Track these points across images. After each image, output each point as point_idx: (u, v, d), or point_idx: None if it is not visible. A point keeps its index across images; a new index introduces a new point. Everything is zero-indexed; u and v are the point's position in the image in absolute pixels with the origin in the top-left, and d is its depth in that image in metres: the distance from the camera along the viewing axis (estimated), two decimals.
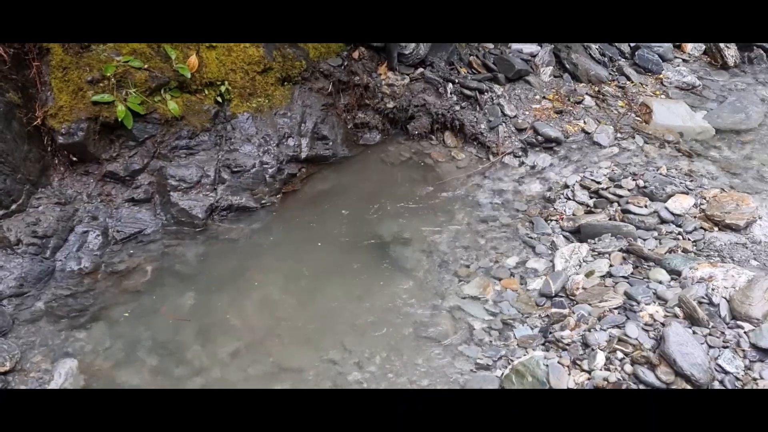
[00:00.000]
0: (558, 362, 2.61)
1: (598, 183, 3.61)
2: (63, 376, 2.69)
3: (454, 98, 4.28)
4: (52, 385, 2.65)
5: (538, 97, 4.33)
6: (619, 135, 4.09)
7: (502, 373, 2.72)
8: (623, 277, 2.97)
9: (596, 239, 3.25)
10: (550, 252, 3.33)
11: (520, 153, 4.06)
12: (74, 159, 3.44)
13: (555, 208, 3.59)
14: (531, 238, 3.46)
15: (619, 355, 2.53)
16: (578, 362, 2.58)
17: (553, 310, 2.94)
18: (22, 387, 2.62)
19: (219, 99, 3.75)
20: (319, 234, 3.60)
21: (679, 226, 3.23)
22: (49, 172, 3.41)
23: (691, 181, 3.58)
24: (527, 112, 4.22)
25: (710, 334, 2.51)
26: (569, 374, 2.56)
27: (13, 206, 3.17)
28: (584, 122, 4.16)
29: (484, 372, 2.77)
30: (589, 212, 3.48)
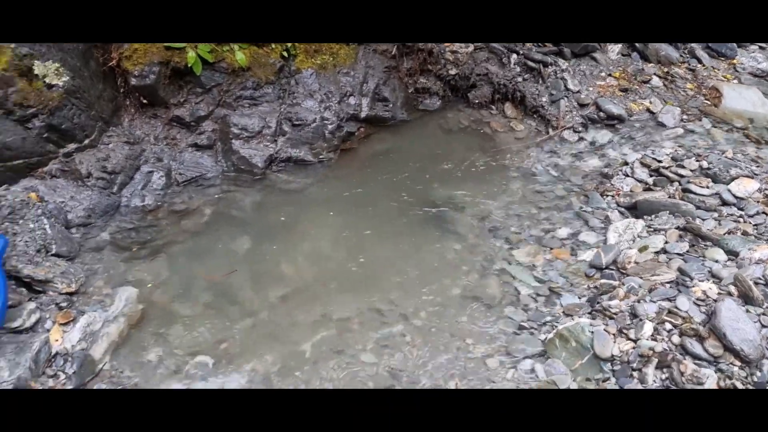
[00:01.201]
0: (604, 329, 2.60)
1: (660, 162, 3.55)
2: (123, 301, 2.82)
3: (517, 69, 4.25)
4: (111, 310, 2.77)
5: (603, 74, 4.27)
6: (685, 117, 4.00)
7: (546, 337, 2.73)
8: (678, 254, 2.92)
9: (653, 216, 3.20)
10: (603, 226, 3.30)
11: (580, 128, 4.02)
12: (144, 101, 3.57)
13: (612, 184, 3.55)
14: (585, 211, 3.43)
15: (668, 326, 2.51)
16: (624, 331, 2.57)
17: (603, 281, 2.92)
18: (85, 308, 2.75)
19: (285, 54, 3.82)
20: (372, 192, 3.64)
21: (741, 209, 3.16)
22: (120, 113, 3.55)
23: (758, 166, 3.48)
24: (591, 88, 4.16)
25: (764, 314, 2.46)
26: (614, 342, 2.55)
27: (86, 141, 3.31)
28: (650, 102, 4.08)
29: (528, 335, 2.78)
30: (647, 189, 3.42)
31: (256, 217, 3.48)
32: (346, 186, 3.70)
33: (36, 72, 3.03)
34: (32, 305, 2.62)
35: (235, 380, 2.63)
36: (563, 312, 2.85)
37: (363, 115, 3.96)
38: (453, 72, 4.27)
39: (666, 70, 4.32)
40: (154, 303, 2.94)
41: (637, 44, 4.41)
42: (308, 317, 2.97)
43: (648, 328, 2.52)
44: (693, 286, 2.66)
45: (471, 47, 4.28)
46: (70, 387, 2.43)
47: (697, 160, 3.47)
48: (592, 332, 2.62)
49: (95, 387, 2.48)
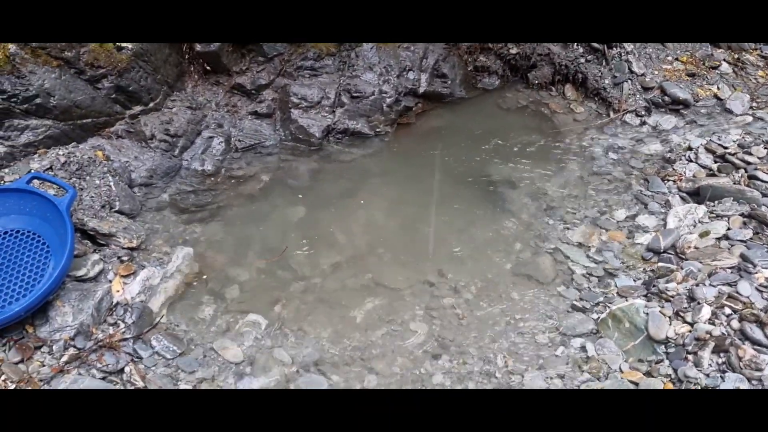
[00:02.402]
0: (659, 311, 2.55)
1: (725, 148, 3.44)
2: (180, 259, 2.89)
3: (580, 50, 4.17)
4: (169, 267, 2.85)
5: (670, 57, 4.14)
6: (754, 104, 3.85)
7: (599, 317, 2.69)
8: (741, 240, 2.83)
9: (716, 202, 3.11)
10: (663, 210, 3.22)
11: (642, 112, 3.92)
12: (208, 68, 3.64)
13: (674, 169, 3.46)
14: (644, 195, 3.35)
15: (727, 311, 2.44)
16: (681, 314, 2.51)
17: (660, 264, 2.85)
18: (145, 263, 2.84)
19: None
20: (427, 167, 3.64)
21: None
22: (184, 78, 3.63)
23: None
24: (656, 72, 4.05)
25: None
26: (670, 324, 2.50)
27: (151, 104, 3.40)
28: (717, 88, 3.95)
29: (580, 314, 2.75)
30: (711, 175, 3.32)
31: (312, 186, 3.52)
32: (401, 159, 3.71)
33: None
34: (96, 256, 2.72)
35: (285, 343, 2.67)
36: (617, 293, 2.80)
37: (421, 90, 3.94)
38: (514, 51, 4.21)
39: (737, 56, 4.17)
40: (210, 263, 3.01)
41: None
42: (360, 285, 3.00)
43: (706, 311, 2.45)
44: (756, 273, 2.58)
45: None
46: (129, 336, 2.51)
47: (766, 148, 3.35)
48: (647, 313, 2.57)
49: (152, 338, 2.55)
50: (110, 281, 2.66)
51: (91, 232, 2.83)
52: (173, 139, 3.40)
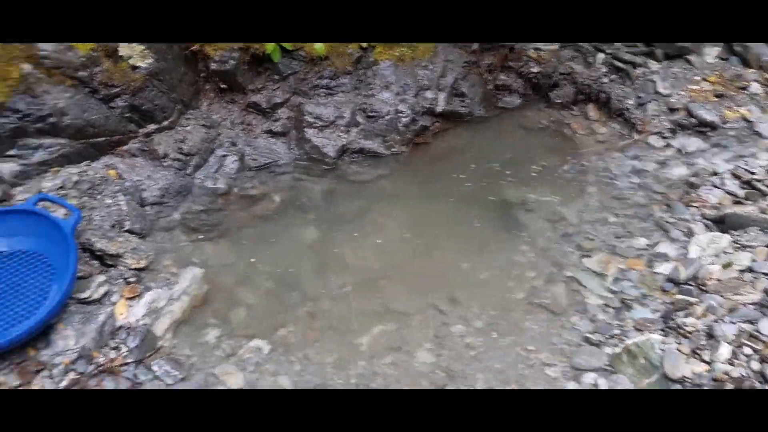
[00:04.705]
0: (676, 348, 2.44)
1: (753, 174, 3.30)
2: (188, 281, 2.87)
3: (603, 69, 4.07)
4: (176, 289, 2.83)
5: (697, 77, 4.01)
6: None
7: (613, 351, 2.59)
8: (765, 273, 2.70)
9: (741, 231, 2.98)
10: (685, 238, 3.10)
11: (667, 134, 3.80)
12: (223, 86, 3.63)
13: (698, 195, 3.33)
14: (666, 221, 3.23)
15: (747, 350, 2.32)
16: (699, 351, 2.40)
17: (679, 296, 2.74)
18: (152, 285, 2.82)
19: (364, 44, 3.80)
20: (443, 188, 3.57)
21: None
22: (199, 96, 3.63)
23: None
24: (682, 92, 3.93)
25: None
26: (686, 362, 2.39)
27: (165, 123, 3.40)
28: (747, 110, 3.80)
29: (593, 347, 2.65)
30: (737, 203, 3.19)
31: (325, 206, 3.48)
32: (417, 180, 3.65)
33: (121, 53, 3.13)
34: (101, 278, 2.71)
35: (289, 370, 2.63)
36: (634, 326, 2.69)
37: (439, 109, 3.88)
38: (535, 70, 4.13)
39: (767, 76, 4.02)
40: (218, 285, 2.99)
41: (736, 48, 4.13)
42: (368, 310, 2.94)
43: (725, 350, 2.34)
44: None
45: (555, 45, 4.13)
46: (130, 360, 2.49)
47: None
48: (663, 350, 2.46)
49: (153, 363, 2.53)
50: (114, 303, 2.65)
51: (99, 253, 2.82)
52: (187, 158, 3.40)
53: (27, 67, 2.92)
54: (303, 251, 3.21)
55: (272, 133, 3.66)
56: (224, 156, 3.52)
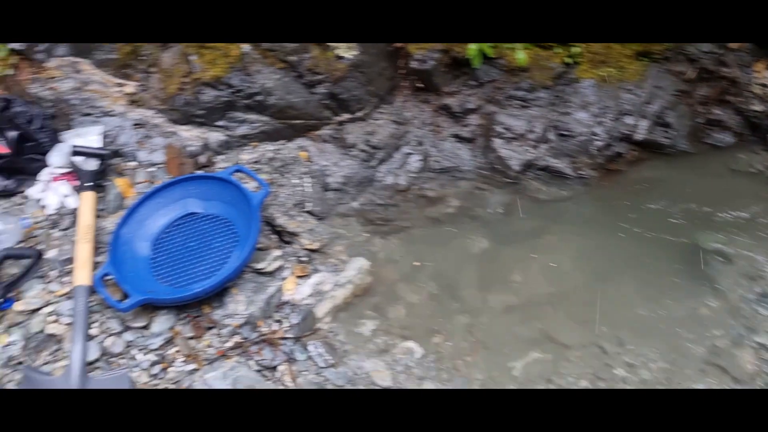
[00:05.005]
0: None
1: None
2: (355, 270, 2.94)
3: None
4: (342, 275, 2.90)
5: None
6: None
7: None
8: None
9: None
10: None
11: None
12: (419, 85, 3.66)
13: None
14: None
15: None
16: None
17: None
18: (321, 267, 2.92)
19: (568, 60, 3.64)
20: (629, 221, 3.33)
21: None
22: (394, 92, 3.69)
23: None
24: None
25: None
26: None
27: (359, 113, 3.50)
28: None
29: None
30: None
31: (500, 219, 3.39)
32: (601, 208, 3.44)
33: (329, 43, 3.26)
34: (277, 252, 2.85)
35: (436, 377, 2.60)
36: None
37: (638, 137, 3.62)
38: (757, 108, 3.71)
39: None
40: (382, 279, 3.02)
41: None
42: (527, 333, 2.83)
43: None
44: None
45: None
46: (290, 336, 2.60)
47: None
48: None
49: (310, 343, 2.62)
50: (284, 279, 2.77)
51: (279, 228, 2.97)
52: (373, 150, 3.48)
53: (246, 47, 3.14)
54: (470, 261, 3.16)
55: (459, 138, 3.63)
56: (409, 154, 3.55)
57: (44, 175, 3.06)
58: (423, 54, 3.52)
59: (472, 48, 3.46)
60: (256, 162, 3.21)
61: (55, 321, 2.51)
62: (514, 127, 3.56)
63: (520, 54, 3.53)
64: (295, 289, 2.75)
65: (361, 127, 3.50)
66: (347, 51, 3.30)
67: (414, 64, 3.56)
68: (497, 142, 3.56)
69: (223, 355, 2.45)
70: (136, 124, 3.28)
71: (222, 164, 3.22)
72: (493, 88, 3.62)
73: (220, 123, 3.28)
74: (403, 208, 3.40)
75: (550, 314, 2.89)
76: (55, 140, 3.14)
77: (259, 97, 3.22)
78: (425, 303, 2.95)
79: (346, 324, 2.78)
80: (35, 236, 2.86)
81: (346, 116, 3.47)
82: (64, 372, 2.27)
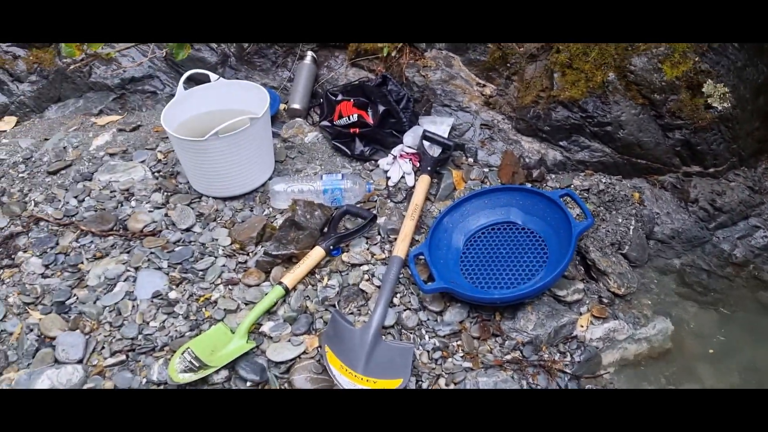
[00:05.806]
0: None
1: None
2: (656, 330, 2.74)
3: None
4: (641, 331, 2.73)
5: None
6: None
7: None
8: None
9: None
10: None
11: None
12: None
13: None
14: None
15: None
16: None
17: None
18: (620, 315, 2.78)
19: None
20: None
21: None
22: (759, 156, 3.32)
23: None
24: None
25: None
26: None
27: (711, 169, 3.22)
28: None
29: None
30: None
31: None
32: None
33: (703, 90, 3.04)
34: (581, 285, 2.79)
35: None
36: None
37: None
38: None
39: None
40: (684, 350, 2.77)
41: None
42: None
43: None
44: None
45: None
46: (568, 371, 2.54)
47: None
48: None
49: (586, 386, 2.53)
50: (580, 314, 2.71)
51: (589, 263, 2.90)
52: (715, 212, 3.18)
53: (612, 76, 3.09)
54: None
55: None
56: (757, 227, 3.17)
57: (396, 150, 3.41)
58: None
59: None
60: (585, 190, 3.17)
61: (368, 280, 2.80)
62: None
63: None
64: (588, 328, 2.67)
65: (710, 184, 3.21)
66: (720, 101, 3.05)
67: None
68: None
69: (500, 366, 2.49)
70: (484, 125, 3.47)
71: (552, 183, 3.24)
72: None
73: (562, 143, 3.30)
74: (732, 284, 3.06)
75: None
76: (413, 122, 3.48)
77: (608, 128, 3.15)
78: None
79: (630, 382, 2.62)
80: (373, 201, 3.21)
81: (695, 168, 3.23)
82: (362, 327, 2.52)
